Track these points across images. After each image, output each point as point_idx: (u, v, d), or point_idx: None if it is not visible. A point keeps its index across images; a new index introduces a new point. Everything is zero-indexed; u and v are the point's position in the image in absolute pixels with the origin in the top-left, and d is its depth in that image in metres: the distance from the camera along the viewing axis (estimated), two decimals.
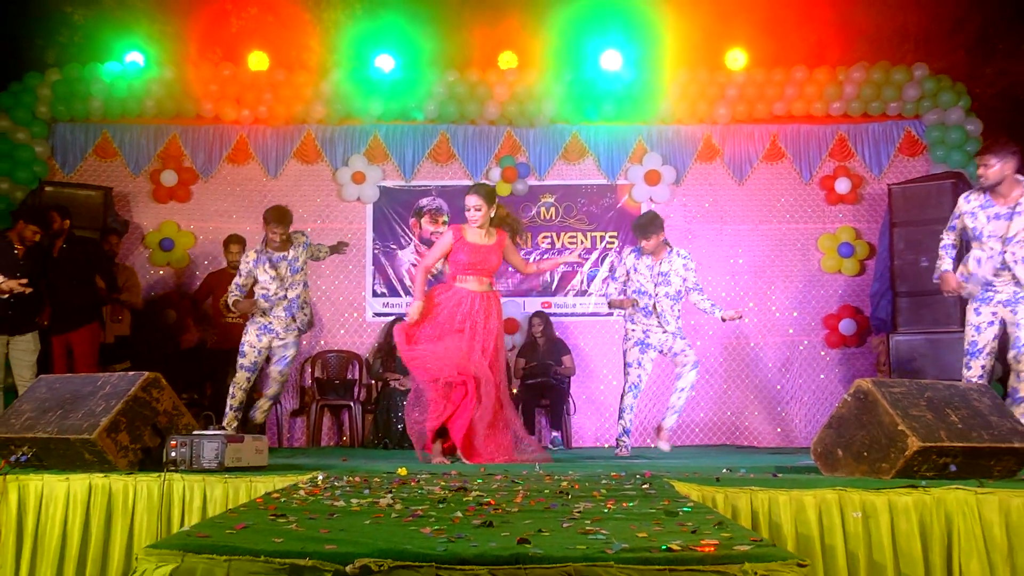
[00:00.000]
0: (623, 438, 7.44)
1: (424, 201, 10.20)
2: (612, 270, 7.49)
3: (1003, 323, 6.19)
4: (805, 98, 9.94)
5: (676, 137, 10.18)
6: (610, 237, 10.13)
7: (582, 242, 10.10)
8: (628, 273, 7.43)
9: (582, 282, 10.08)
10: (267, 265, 7.63)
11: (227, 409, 7.73)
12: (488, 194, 6.60)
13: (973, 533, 4.07)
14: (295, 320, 7.74)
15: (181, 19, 10.40)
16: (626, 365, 7.40)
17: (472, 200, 6.50)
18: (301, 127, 10.16)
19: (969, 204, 6.26)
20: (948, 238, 6.38)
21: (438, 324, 6.42)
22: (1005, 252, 6.07)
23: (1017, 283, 6.09)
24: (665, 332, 7.29)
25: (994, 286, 6.17)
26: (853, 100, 9.92)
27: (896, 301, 9.10)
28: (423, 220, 10.17)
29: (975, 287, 6.22)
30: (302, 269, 7.77)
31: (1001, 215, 6.10)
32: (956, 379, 6.24)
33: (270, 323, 7.68)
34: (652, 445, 7.93)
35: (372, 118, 10.09)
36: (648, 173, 10.02)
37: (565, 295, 10.04)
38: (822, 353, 9.94)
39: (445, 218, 10.11)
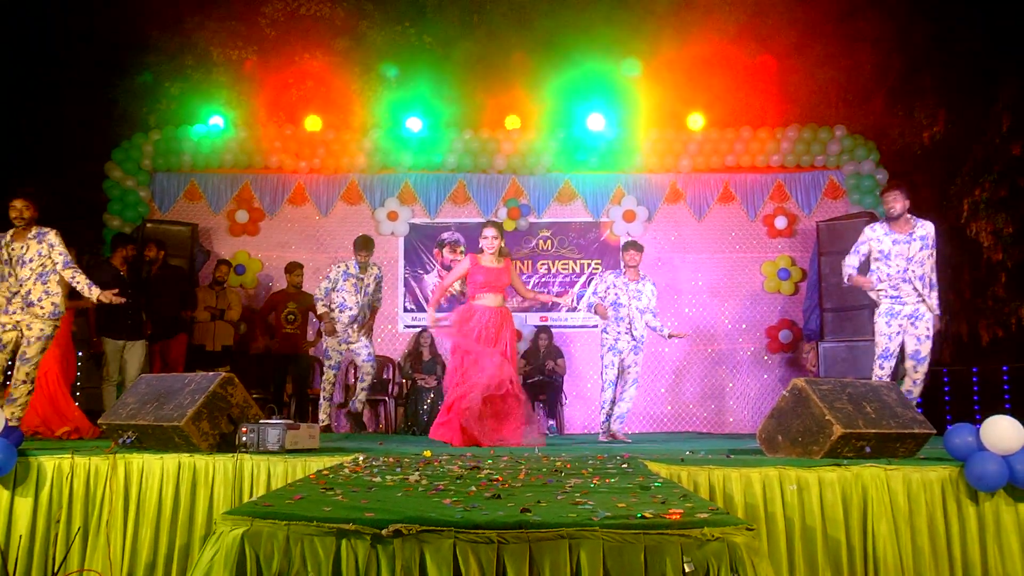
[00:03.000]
0: (604, 424, 7.43)
1: (445, 235, 10.21)
2: (595, 290, 7.48)
3: (903, 332, 6.24)
4: (750, 152, 9.95)
5: (648, 183, 10.18)
6: (595, 264, 10.12)
7: (572, 268, 10.10)
8: (608, 288, 7.44)
9: (572, 301, 10.03)
10: (351, 281, 7.71)
11: (321, 401, 7.88)
12: (500, 228, 6.75)
13: (883, 501, 4.09)
14: (360, 329, 7.76)
15: (253, 89, 10.45)
16: (603, 367, 7.40)
17: (490, 231, 6.60)
18: (347, 175, 10.18)
19: (875, 232, 6.35)
20: (854, 260, 6.43)
21: (468, 335, 6.38)
22: (907, 269, 6.17)
23: (919, 298, 6.14)
24: (631, 340, 7.31)
25: (900, 299, 6.20)
26: (788, 154, 9.94)
27: (823, 315, 9.10)
28: (444, 250, 10.18)
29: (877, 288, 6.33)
30: (370, 295, 7.82)
31: (900, 240, 6.22)
32: (869, 378, 6.23)
33: (346, 335, 7.74)
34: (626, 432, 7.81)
35: (404, 168, 10.11)
36: (626, 212, 10.02)
37: (559, 311, 10.03)
38: (765, 357, 9.91)
39: (462, 248, 10.11)
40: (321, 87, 10.42)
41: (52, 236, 6.06)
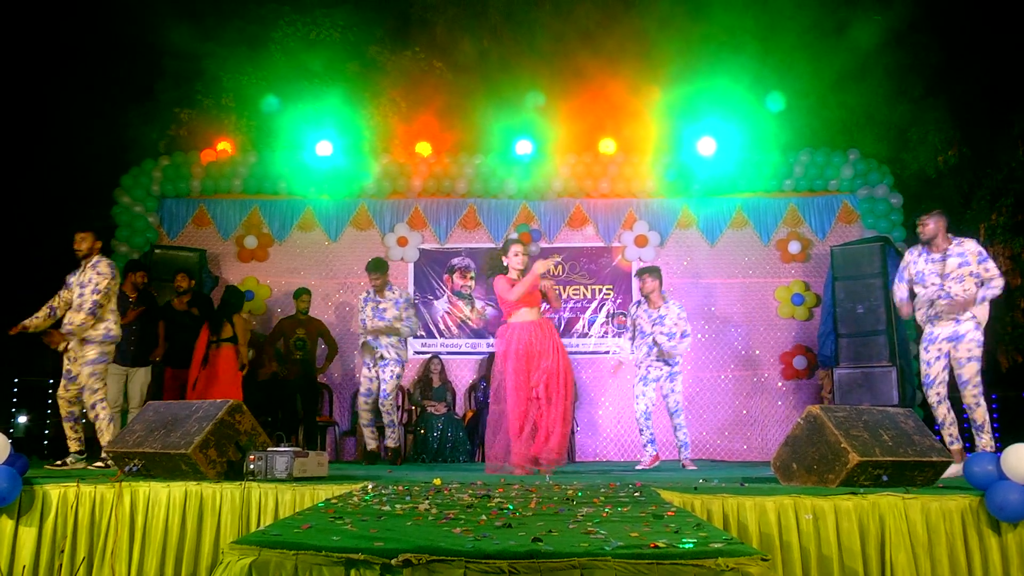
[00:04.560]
0: (647, 447, 7.55)
1: (456, 260, 10.22)
2: (624, 329, 7.56)
3: (949, 355, 6.17)
4: (763, 177, 9.94)
5: (660, 208, 10.18)
6: (607, 289, 10.11)
7: (584, 294, 10.10)
8: (634, 321, 7.53)
9: (584, 326, 10.06)
10: (370, 305, 7.85)
11: (362, 427, 8.02)
12: (523, 243, 6.71)
13: (901, 531, 4.05)
14: (382, 357, 7.80)
15: (261, 116, 10.55)
16: (636, 396, 7.56)
17: (518, 248, 6.52)
18: (357, 201, 10.21)
19: (911, 255, 6.40)
20: (901, 287, 6.47)
21: (516, 357, 6.29)
22: (942, 286, 6.14)
23: (956, 321, 6.11)
24: (664, 367, 7.45)
25: (935, 321, 6.20)
26: (801, 178, 9.94)
27: (838, 341, 9.04)
28: (454, 276, 10.19)
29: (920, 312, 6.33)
30: (388, 320, 7.81)
31: (933, 260, 6.23)
32: (886, 405, 6.20)
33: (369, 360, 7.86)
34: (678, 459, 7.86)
35: (414, 193, 10.15)
36: (637, 237, 10.03)
37: (570, 337, 10.01)
38: (779, 384, 9.86)
39: (472, 274, 10.13)
40: (331, 112, 10.50)
41: (101, 265, 6.48)
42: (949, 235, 6.27)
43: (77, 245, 6.48)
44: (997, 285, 6.04)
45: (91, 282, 6.34)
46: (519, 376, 6.24)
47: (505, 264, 6.54)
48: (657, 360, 7.45)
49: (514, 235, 10.00)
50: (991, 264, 6.10)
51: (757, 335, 9.95)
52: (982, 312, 6.15)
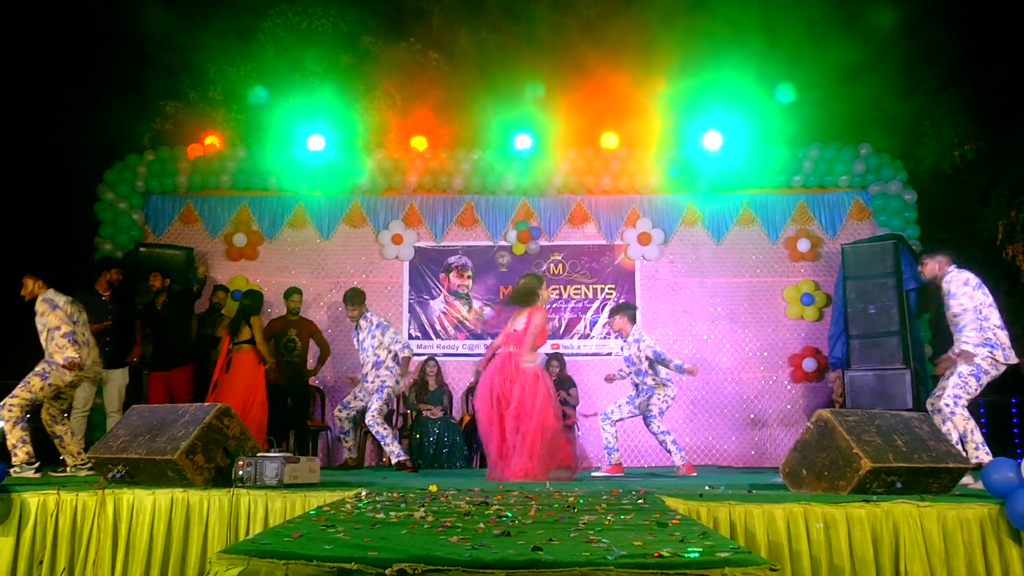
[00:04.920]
0: (678, 454, 7.76)
1: (452, 259, 10.22)
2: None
3: None
4: (771, 172, 9.94)
5: (664, 205, 10.18)
6: (608, 289, 10.10)
7: (585, 294, 10.09)
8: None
9: (585, 327, 10.05)
10: (356, 339, 8.06)
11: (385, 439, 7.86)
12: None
13: (916, 540, 4.03)
14: (366, 381, 7.91)
15: (250, 109, 10.53)
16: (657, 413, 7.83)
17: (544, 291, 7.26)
18: (350, 197, 10.21)
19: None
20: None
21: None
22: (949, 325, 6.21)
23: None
24: (639, 396, 7.80)
25: None
26: (810, 174, 9.93)
27: (849, 342, 9.03)
28: (451, 275, 10.18)
29: None
30: (368, 350, 7.89)
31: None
32: (900, 409, 6.19)
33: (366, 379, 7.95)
34: (670, 464, 8.06)
35: (409, 189, 10.14)
36: (640, 235, 10.02)
37: (571, 338, 10.00)
38: (788, 387, 9.85)
39: (469, 273, 10.12)
40: (323, 104, 10.49)
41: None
42: (945, 272, 6.19)
43: (22, 292, 6.55)
44: None
45: (43, 326, 6.42)
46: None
47: (539, 294, 7.00)
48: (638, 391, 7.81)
49: (512, 233, 10.01)
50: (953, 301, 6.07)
51: (765, 336, 9.93)
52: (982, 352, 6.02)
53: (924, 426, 4.99)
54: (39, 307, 6.43)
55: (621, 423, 7.88)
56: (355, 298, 8.02)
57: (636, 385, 7.79)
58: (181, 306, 8.68)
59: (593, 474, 7.42)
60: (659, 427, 7.76)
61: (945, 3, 10.58)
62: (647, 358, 7.72)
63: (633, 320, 7.95)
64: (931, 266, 6.28)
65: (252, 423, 7.83)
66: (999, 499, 4.17)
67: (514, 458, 6.46)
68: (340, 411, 7.99)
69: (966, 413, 5.81)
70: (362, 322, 7.97)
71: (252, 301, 8.54)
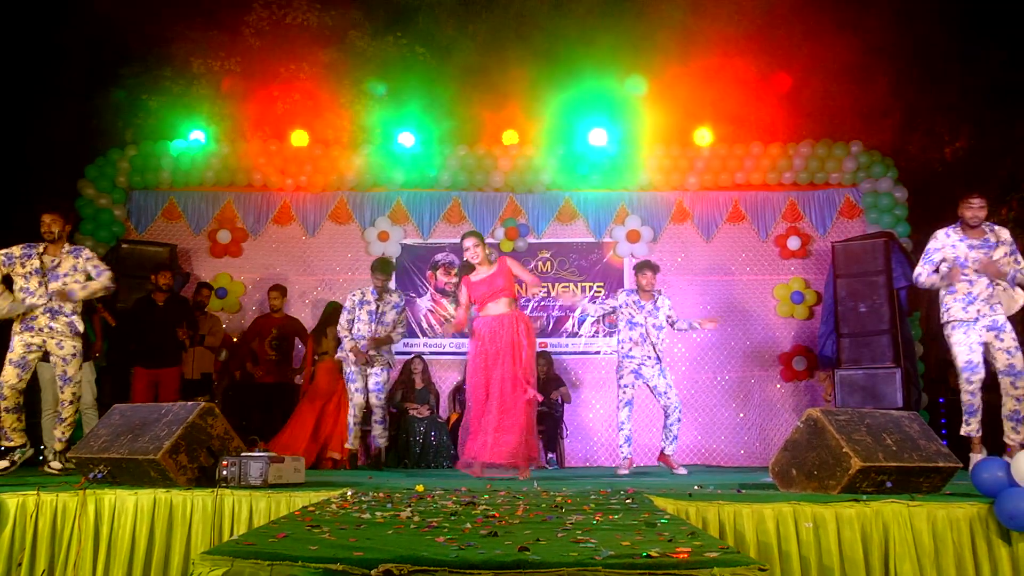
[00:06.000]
0: (623, 447, 7.46)
1: (439, 256, 10.21)
2: (601, 300, 7.66)
3: (986, 345, 6.18)
4: (761, 169, 9.97)
5: (653, 202, 10.20)
6: (597, 287, 10.12)
7: (573, 291, 10.09)
8: (622, 306, 7.53)
9: (573, 325, 10.06)
10: (365, 309, 7.84)
11: (351, 426, 7.88)
12: (478, 235, 6.88)
13: (906, 540, 4.06)
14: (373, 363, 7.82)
15: (236, 103, 10.48)
16: (622, 386, 7.45)
17: (469, 242, 6.81)
18: (335, 193, 10.19)
19: (949, 239, 6.36)
20: (928, 267, 6.39)
21: (475, 352, 6.72)
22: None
23: (1000, 308, 6.16)
24: (656, 363, 7.43)
25: (974, 303, 6.19)
26: (801, 171, 9.97)
27: (839, 341, 9.08)
28: (438, 272, 10.18)
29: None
30: (387, 325, 7.86)
31: (976, 246, 6.26)
32: (890, 408, 6.22)
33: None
34: (658, 464, 7.89)
35: (395, 186, 10.12)
36: (629, 232, 10.04)
37: (559, 336, 10.02)
38: (778, 386, 9.89)
39: (457, 270, 10.12)
40: (308, 100, 10.47)
41: (88, 252, 6.42)
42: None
43: (47, 227, 6.28)
44: None
45: (89, 263, 6.33)
46: (475, 376, 6.62)
47: (466, 261, 6.81)
48: (651, 358, 7.46)
49: (500, 230, 10.01)
50: (1020, 257, 6.22)
51: (755, 335, 9.97)
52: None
53: (914, 425, 5.02)
54: (91, 254, 6.45)
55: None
56: (386, 267, 7.94)
57: (658, 354, 7.49)
58: (182, 306, 8.66)
59: (620, 473, 7.32)
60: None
61: None
62: (667, 315, 7.61)
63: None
64: (986, 209, 6.28)
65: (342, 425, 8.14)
66: (988, 498, 4.20)
67: (501, 437, 6.33)
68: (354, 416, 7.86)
69: None
70: (390, 296, 7.92)
71: (333, 311, 8.69)
